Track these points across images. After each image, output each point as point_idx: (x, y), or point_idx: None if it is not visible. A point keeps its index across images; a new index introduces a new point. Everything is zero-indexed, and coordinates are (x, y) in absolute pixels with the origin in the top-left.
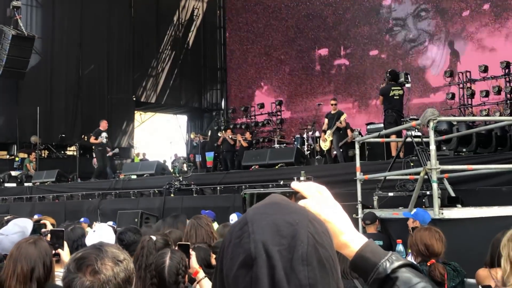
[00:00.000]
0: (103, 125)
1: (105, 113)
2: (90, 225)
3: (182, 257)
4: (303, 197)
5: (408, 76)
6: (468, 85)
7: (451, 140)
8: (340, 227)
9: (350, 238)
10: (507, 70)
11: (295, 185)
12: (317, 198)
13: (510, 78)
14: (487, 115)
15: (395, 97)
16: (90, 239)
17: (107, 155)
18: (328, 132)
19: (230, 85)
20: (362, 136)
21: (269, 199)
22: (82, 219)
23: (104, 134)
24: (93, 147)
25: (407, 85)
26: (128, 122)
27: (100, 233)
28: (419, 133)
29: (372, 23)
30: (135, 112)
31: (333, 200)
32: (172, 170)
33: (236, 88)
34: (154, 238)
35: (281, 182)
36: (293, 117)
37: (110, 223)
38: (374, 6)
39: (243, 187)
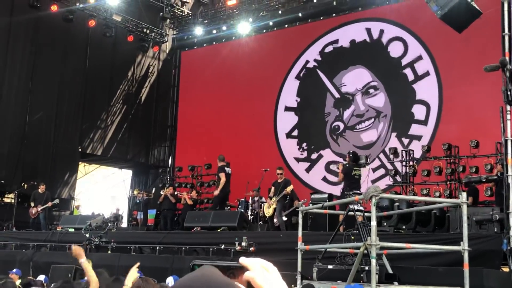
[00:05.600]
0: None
1: (49, 162)
2: (22, 277)
3: None
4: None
5: (368, 158)
6: (411, 163)
7: (391, 216)
8: None
9: None
10: (448, 152)
11: (243, 260)
12: (262, 273)
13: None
14: (427, 194)
15: (355, 177)
16: None
17: (47, 205)
18: (274, 199)
19: (178, 143)
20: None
21: (199, 271)
22: (14, 270)
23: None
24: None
25: (367, 167)
26: (71, 172)
27: None
28: (362, 208)
29: None
30: (80, 163)
31: (278, 277)
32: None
33: (185, 146)
34: None
35: (222, 246)
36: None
37: (42, 277)
38: None
39: (183, 248)
